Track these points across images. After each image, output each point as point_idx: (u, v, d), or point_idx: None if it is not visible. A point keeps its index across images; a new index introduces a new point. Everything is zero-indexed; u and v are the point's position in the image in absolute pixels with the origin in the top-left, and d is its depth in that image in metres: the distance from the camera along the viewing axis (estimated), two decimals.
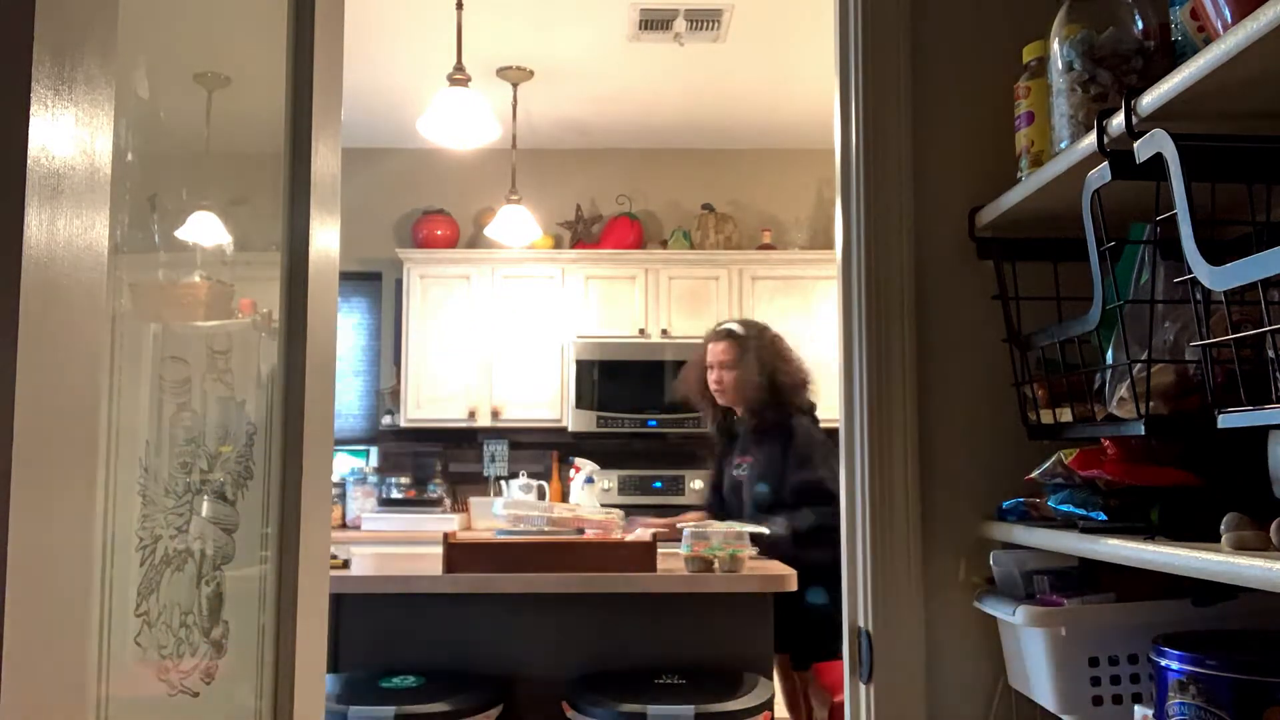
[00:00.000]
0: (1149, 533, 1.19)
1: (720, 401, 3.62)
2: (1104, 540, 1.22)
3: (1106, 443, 1.29)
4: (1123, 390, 1.21)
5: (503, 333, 5.70)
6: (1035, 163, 1.44)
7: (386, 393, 5.96)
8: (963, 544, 1.58)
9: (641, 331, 5.72)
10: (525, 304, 5.73)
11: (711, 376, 3.58)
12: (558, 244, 5.97)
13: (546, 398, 5.66)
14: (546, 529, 3.24)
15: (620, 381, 5.60)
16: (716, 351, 3.59)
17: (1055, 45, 1.34)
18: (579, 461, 4.00)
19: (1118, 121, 1.17)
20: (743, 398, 3.57)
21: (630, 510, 4.33)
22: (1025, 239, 1.55)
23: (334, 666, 3.07)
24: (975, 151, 1.63)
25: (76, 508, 0.72)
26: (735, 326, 3.69)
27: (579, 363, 5.59)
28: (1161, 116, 1.12)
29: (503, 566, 3.02)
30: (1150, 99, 1.12)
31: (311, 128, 1.22)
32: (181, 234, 1.06)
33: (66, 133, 0.68)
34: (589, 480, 3.86)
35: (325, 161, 1.25)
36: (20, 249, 0.63)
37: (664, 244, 5.98)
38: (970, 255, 1.61)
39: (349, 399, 6.05)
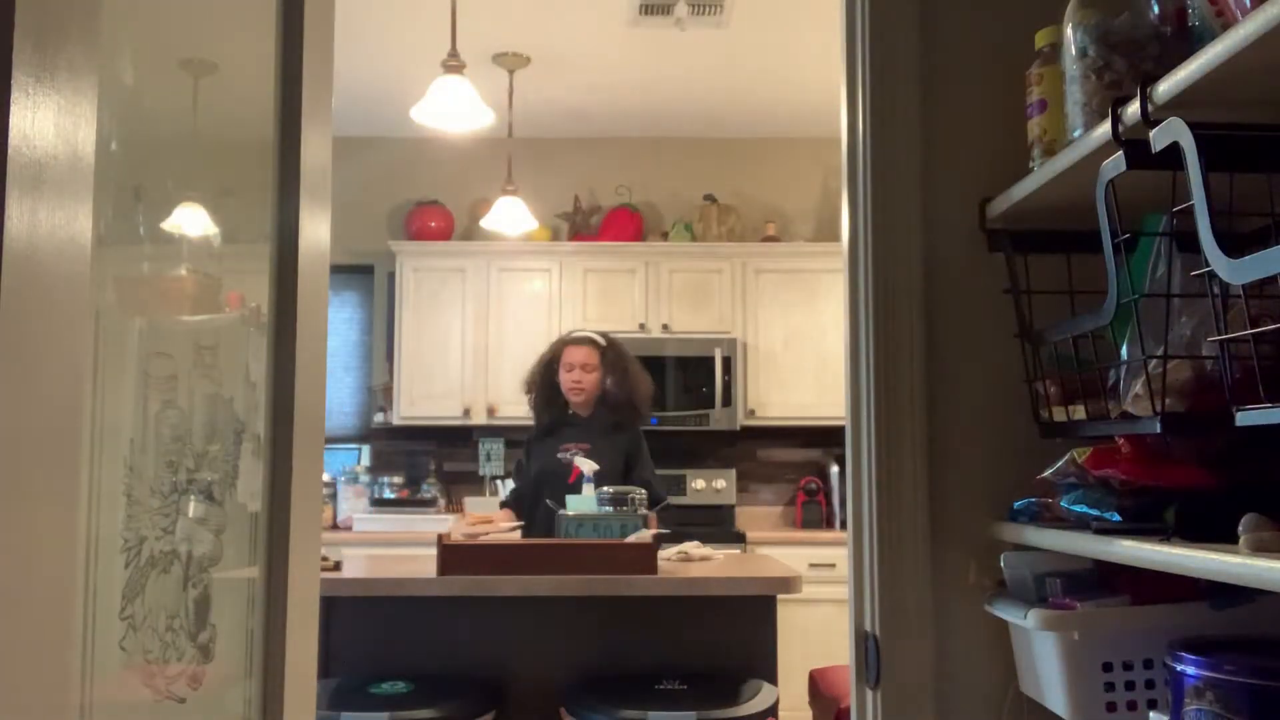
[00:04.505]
0: (1165, 534, 1.17)
1: (575, 398, 4.14)
2: (1118, 541, 1.21)
3: (1121, 441, 1.28)
4: (1138, 387, 1.20)
5: (498, 327, 5.67)
6: (1048, 152, 1.42)
7: (379, 389, 5.93)
8: (973, 545, 1.56)
9: (642, 326, 5.69)
10: (522, 298, 5.71)
11: (572, 375, 4.10)
12: (555, 236, 5.94)
13: None
14: None
15: None
16: (583, 354, 4.14)
17: (1069, 31, 1.32)
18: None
19: (1133, 110, 1.15)
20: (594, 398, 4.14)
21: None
22: (1037, 231, 1.53)
23: (324, 671, 3.04)
24: (986, 140, 1.61)
25: (58, 508, 0.71)
26: (597, 336, 4.28)
27: None
28: (1178, 104, 1.10)
29: (498, 569, 3.00)
30: (1166, 86, 1.11)
31: (301, 116, 1.20)
32: (167, 226, 1.05)
33: (49, 122, 0.67)
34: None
35: (316, 151, 1.23)
36: (0, 242, 0.62)
37: (665, 236, 5.95)
38: (980, 248, 1.59)
39: (340, 396, 6.02)
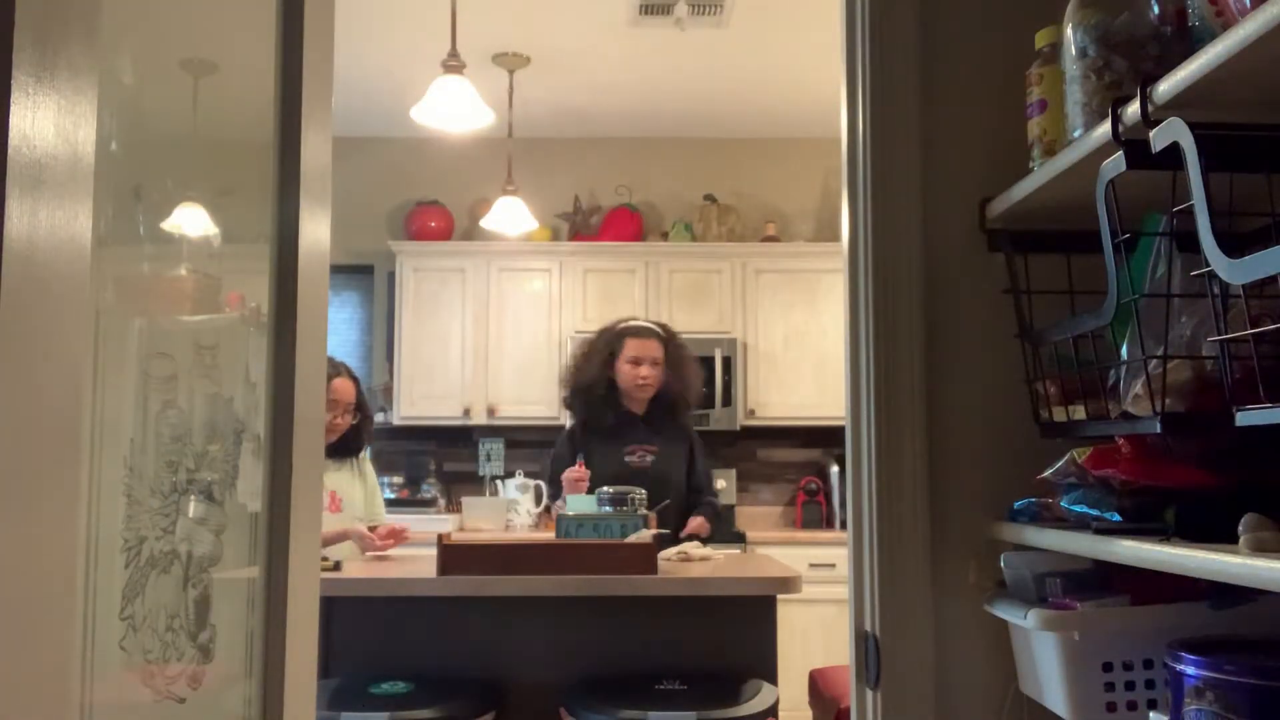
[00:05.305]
0: (1165, 534, 1.17)
1: (641, 395, 3.83)
2: (1118, 541, 1.20)
3: (1121, 441, 1.27)
4: (1138, 387, 1.19)
5: (499, 328, 5.67)
6: (1048, 152, 1.41)
7: (379, 389, 5.92)
8: (973, 545, 1.56)
9: None
10: (522, 298, 5.70)
11: (640, 370, 3.78)
12: (555, 236, 5.94)
13: (544, 395, 5.63)
14: None
15: None
16: (651, 348, 3.82)
17: (1069, 31, 1.32)
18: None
19: (1133, 110, 1.15)
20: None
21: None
22: (1038, 231, 1.53)
23: (324, 672, 3.03)
24: (986, 141, 1.61)
25: (58, 508, 0.70)
26: (657, 328, 3.96)
27: None
28: (1178, 104, 1.10)
29: (498, 569, 2.99)
30: (1166, 86, 1.10)
31: (301, 116, 1.19)
32: (167, 226, 1.04)
33: (49, 121, 0.67)
34: None
35: (316, 151, 1.22)
36: (0, 242, 0.61)
37: (665, 236, 5.95)
38: (981, 248, 1.59)
39: None
